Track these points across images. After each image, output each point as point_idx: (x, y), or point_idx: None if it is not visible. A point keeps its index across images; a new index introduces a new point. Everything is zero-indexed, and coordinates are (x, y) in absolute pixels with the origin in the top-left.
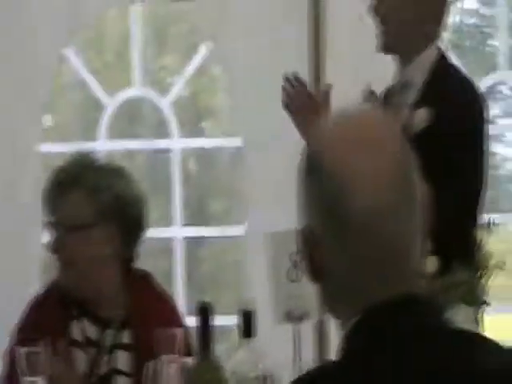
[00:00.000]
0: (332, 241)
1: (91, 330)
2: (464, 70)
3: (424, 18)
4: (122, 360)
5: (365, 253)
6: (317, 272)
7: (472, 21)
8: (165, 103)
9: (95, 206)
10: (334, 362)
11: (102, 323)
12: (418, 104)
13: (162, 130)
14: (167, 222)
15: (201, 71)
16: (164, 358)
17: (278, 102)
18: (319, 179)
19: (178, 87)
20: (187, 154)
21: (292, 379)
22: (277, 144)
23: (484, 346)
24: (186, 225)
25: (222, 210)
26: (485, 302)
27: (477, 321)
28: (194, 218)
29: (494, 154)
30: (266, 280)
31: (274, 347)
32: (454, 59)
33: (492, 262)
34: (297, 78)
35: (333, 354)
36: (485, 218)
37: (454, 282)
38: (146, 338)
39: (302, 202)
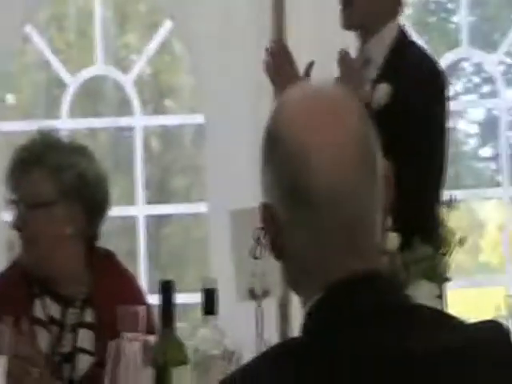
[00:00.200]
0: (292, 217)
1: (54, 309)
2: (426, 46)
3: (391, 2)
4: (85, 338)
5: (325, 229)
6: (278, 249)
7: None
8: (127, 81)
9: (57, 184)
10: (295, 340)
11: (65, 302)
12: (378, 80)
13: (124, 109)
14: (130, 200)
15: (163, 49)
16: (126, 335)
17: (240, 78)
18: (278, 155)
19: (140, 65)
20: (149, 132)
21: (255, 356)
22: (239, 121)
23: (446, 322)
24: (148, 203)
25: (185, 187)
26: (447, 278)
27: (439, 297)
28: (157, 196)
29: (457, 130)
30: (229, 257)
31: (237, 325)
32: (417, 36)
33: (454, 238)
34: (283, 46)
35: (296, 331)
36: (447, 194)
37: (416, 259)
38: (108, 317)
39: (262, 178)
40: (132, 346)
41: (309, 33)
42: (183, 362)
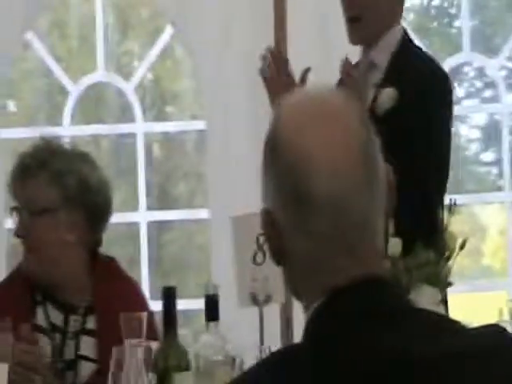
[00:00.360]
0: (293, 222)
1: (56, 316)
2: (428, 51)
3: (393, 6)
4: (88, 346)
5: (326, 234)
6: (279, 254)
7: (437, 2)
8: (129, 88)
9: (60, 191)
10: (297, 346)
11: (67, 309)
12: (382, 84)
13: (126, 115)
14: (132, 206)
15: (164, 55)
16: (129, 342)
17: (242, 85)
18: (279, 160)
19: (142, 71)
20: (151, 138)
21: (256, 362)
22: (240, 127)
23: (448, 327)
24: (150, 209)
25: (187, 193)
26: (449, 283)
27: (442, 302)
28: (159, 202)
29: (459, 135)
30: (231, 263)
31: (239, 331)
32: (418, 40)
33: (455, 242)
34: (279, 54)
35: (298, 337)
36: (448, 199)
37: (418, 264)
38: (110, 324)
39: (263, 183)
40: (134, 352)
41: (310, 39)
42: (185, 367)
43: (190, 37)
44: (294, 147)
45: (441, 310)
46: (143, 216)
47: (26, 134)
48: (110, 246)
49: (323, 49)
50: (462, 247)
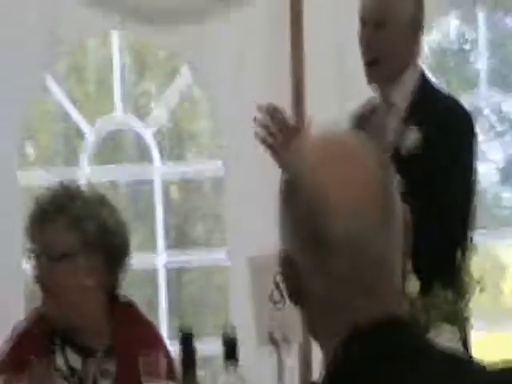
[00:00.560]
0: (311, 263)
1: (75, 359)
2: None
3: (410, 46)
4: None
5: (345, 274)
6: (297, 294)
7: (453, 40)
8: (146, 130)
9: (79, 235)
10: None
11: (86, 352)
12: (404, 125)
13: (144, 157)
14: (150, 248)
15: (182, 96)
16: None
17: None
18: (297, 201)
19: (159, 113)
20: (169, 180)
21: None
22: (258, 168)
23: (468, 366)
24: (168, 250)
25: (205, 234)
26: (468, 322)
27: (461, 340)
28: (177, 244)
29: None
30: (249, 304)
31: (258, 371)
32: (434, 79)
33: (473, 281)
34: (274, 109)
35: (316, 377)
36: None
37: (436, 303)
38: (129, 367)
39: (281, 224)
40: None
41: (327, 75)
42: None
43: (206, 77)
44: (312, 186)
45: (461, 348)
46: (161, 259)
47: (44, 177)
48: (128, 288)
49: (342, 93)
50: (482, 289)
